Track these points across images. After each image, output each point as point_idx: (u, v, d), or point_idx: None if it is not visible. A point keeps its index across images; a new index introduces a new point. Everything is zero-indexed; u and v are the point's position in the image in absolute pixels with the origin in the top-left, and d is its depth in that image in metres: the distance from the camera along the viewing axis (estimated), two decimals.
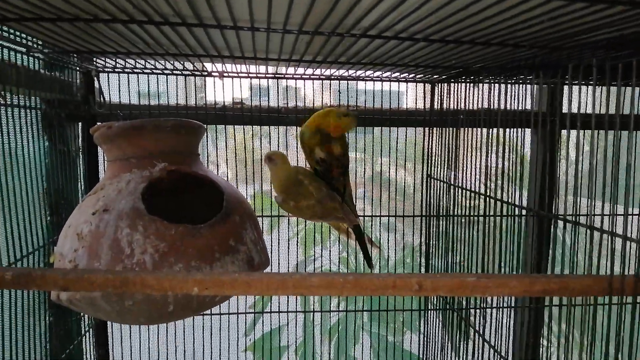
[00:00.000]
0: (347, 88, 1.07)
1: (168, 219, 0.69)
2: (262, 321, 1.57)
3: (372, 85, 1.07)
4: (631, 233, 0.57)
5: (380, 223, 1.60)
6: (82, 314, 0.99)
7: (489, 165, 0.81)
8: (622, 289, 0.49)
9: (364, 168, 1.24)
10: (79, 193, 1.00)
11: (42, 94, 0.86)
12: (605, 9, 0.40)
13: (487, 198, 0.84)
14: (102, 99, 1.00)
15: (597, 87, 0.56)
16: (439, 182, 1.06)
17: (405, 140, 1.16)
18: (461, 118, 0.93)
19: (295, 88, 1.15)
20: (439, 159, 1.06)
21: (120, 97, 1.01)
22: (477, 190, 0.91)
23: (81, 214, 0.71)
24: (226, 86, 1.00)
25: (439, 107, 1.05)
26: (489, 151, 0.80)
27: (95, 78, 0.98)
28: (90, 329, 1.04)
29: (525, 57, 0.67)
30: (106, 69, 0.96)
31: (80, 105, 0.98)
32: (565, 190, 1.13)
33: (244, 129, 1.23)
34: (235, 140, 1.09)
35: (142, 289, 0.46)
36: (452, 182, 0.99)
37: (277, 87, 1.20)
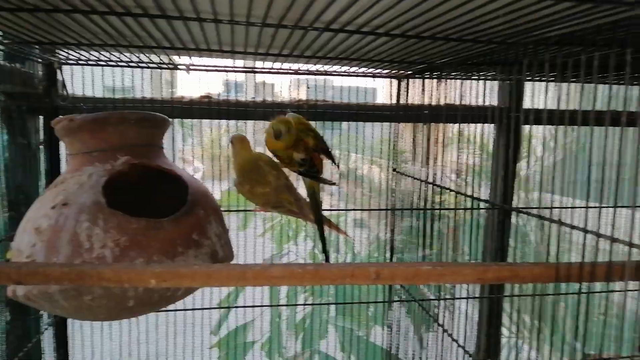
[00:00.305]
0: (324, 85, 1.08)
1: (131, 213, 0.69)
2: (230, 317, 1.57)
3: (347, 81, 1.09)
4: (599, 226, 0.59)
5: (353, 219, 1.62)
6: (40, 311, 0.97)
7: (451, 160, 0.83)
8: (568, 275, 0.51)
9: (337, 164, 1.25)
10: (40, 188, 0.97)
11: (2, 86, 0.84)
12: (553, 5, 0.42)
13: (450, 191, 0.86)
14: (65, 91, 0.98)
15: (555, 83, 0.58)
16: (404, 176, 1.08)
17: (381, 137, 1.18)
18: (424, 113, 0.94)
19: (272, 85, 1.16)
20: (405, 154, 1.08)
21: (84, 91, 0.99)
22: (440, 184, 0.93)
23: (40, 208, 0.69)
24: (197, 81, 1.00)
25: (405, 102, 1.06)
26: (451, 145, 0.82)
27: (58, 70, 0.96)
28: (50, 327, 1.01)
29: (484, 53, 0.69)
30: (69, 61, 0.94)
31: (42, 98, 0.96)
32: (525, 184, 1.17)
33: (219, 124, 1.23)
34: (208, 136, 1.09)
35: (99, 282, 0.46)
36: (417, 177, 1.01)
37: (254, 83, 1.20)
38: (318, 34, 0.64)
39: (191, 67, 0.97)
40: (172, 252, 0.70)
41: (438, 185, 0.93)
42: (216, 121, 1.17)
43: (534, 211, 1.16)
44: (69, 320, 1.06)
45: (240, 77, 1.02)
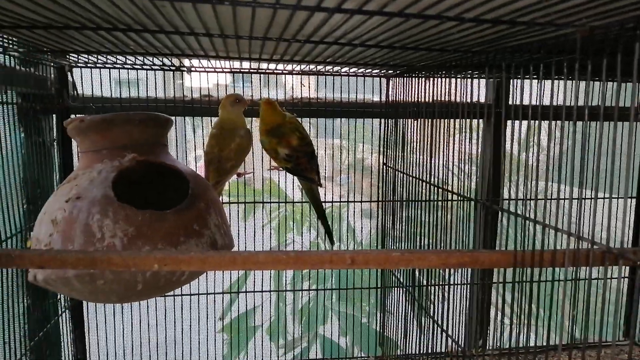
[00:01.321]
0: (332, 77, 1.14)
1: (137, 205, 0.76)
2: (238, 302, 1.65)
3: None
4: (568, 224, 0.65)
5: (361, 210, 1.68)
6: (58, 296, 1.05)
7: (434, 154, 0.89)
8: (523, 262, 0.58)
9: (346, 155, 1.31)
10: (54, 182, 1.05)
11: (17, 89, 0.91)
12: (491, 27, 0.48)
13: (434, 187, 0.92)
14: (75, 92, 1.05)
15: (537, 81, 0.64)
16: (393, 170, 1.14)
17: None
18: (409, 110, 1.00)
19: (276, 77, 1.21)
20: (393, 148, 1.14)
21: (94, 84, 1.06)
22: (426, 180, 0.99)
23: (55, 201, 0.77)
24: (205, 74, 1.07)
25: (394, 99, 1.13)
26: (435, 140, 0.88)
27: (69, 73, 1.03)
28: (67, 310, 1.10)
29: (458, 58, 0.75)
30: (79, 64, 1.01)
31: (54, 99, 1.03)
32: (508, 179, 1.22)
33: None
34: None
35: (109, 267, 0.53)
36: (405, 171, 1.07)
37: (259, 76, 1.25)
38: (314, 46, 0.71)
39: (192, 69, 1.04)
40: (176, 241, 0.77)
41: (423, 180, 0.99)
42: None
43: (519, 202, 1.22)
44: (85, 304, 1.15)
45: (248, 69, 1.09)
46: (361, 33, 0.60)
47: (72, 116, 1.04)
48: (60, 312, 1.06)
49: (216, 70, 1.06)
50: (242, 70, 1.08)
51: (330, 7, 0.44)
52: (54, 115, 1.05)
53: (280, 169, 1.08)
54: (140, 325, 1.21)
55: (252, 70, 1.08)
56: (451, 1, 0.42)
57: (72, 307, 1.12)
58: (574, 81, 0.53)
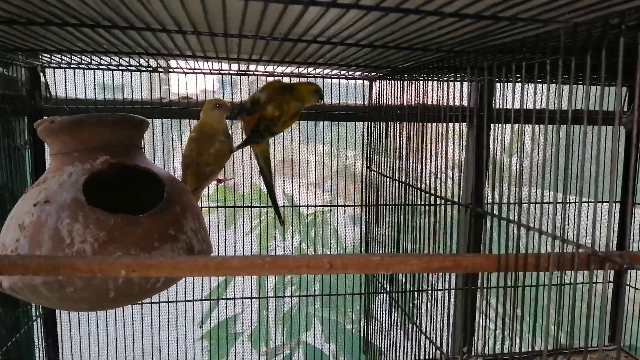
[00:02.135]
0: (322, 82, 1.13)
1: (110, 210, 0.73)
2: (218, 309, 1.62)
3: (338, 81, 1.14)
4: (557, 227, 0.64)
5: (347, 215, 1.66)
6: (30, 304, 1.01)
7: (418, 157, 0.88)
8: (507, 266, 0.56)
9: (334, 161, 1.29)
10: (26, 187, 1.01)
11: None
12: (473, 22, 0.47)
13: (417, 190, 0.91)
14: (48, 93, 1.02)
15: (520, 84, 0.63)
16: (377, 173, 1.13)
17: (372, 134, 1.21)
18: (392, 114, 0.99)
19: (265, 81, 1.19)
20: (377, 152, 1.12)
21: (85, 89, 1.03)
22: (409, 183, 0.97)
23: (23, 205, 0.74)
24: (192, 79, 1.05)
25: (377, 102, 1.11)
26: (420, 144, 0.86)
27: (41, 73, 1.00)
28: (39, 318, 1.06)
29: (441, 59, 0.73)
30: (52, 65, 0.98)
31: (26, 100, 1.00)
32: (492, 181, 1.21)
33: None
34: None
35: (73, 273, 0.50)
36: (389, 174, 1.06)
37: (248, 80, 1.23)
38: (292, 45, 0.69)
39: (170, 70, 1.01)
40: (149, 247, 0.74)
41: (407, 184, 0.97)
42: None
43: (504, 206, 1.20)
44: (58, 312, 1.11)
45: (236, 73, 1.07)
46: (339, 30, 0.59)
47: (44, 117, 1.01)
48: (32, 320, 1.03)
49: (195, 71, 1.03)
50: (221, 72, 1.05)
51: (304, 0, 0.42)
52: (25, 118, 1.02)
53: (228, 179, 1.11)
54: (116, 333, 1.18)
55: (231, 72, 1.06)
56: None
57: (44, 315, 1.07)
58: (556, 84, 0.52)
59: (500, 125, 0.63)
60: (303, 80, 1.09)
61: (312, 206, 1.33)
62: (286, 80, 1.13)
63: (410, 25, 0.53)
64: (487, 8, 0.44)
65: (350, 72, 1.06)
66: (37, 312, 1.05)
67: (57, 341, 1.09)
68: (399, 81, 0.98)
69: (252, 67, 1.02)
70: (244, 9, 0.48)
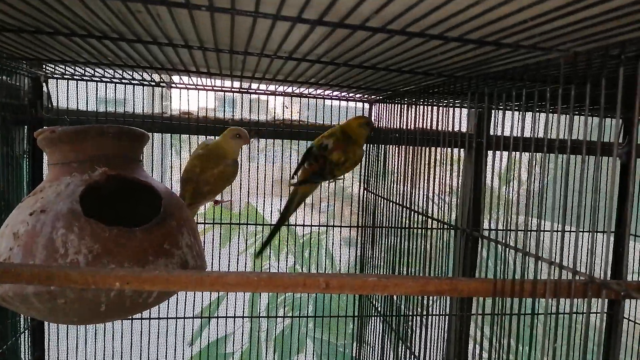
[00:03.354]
0: (315, 103, 1.15)
1: (107, 222, 0.72)
2: (209, 329, 1.59)
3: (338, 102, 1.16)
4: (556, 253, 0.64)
5: (342, 238, 1.66)
6: (19, 315, 1.00)
7: (416, 181, 0.88)
8: (503, 291, 0.56)
9: (328, 182, 1.30)
10: (22, 195, 1.01)
11: None
12: (476, 48, 0.48)
13: (413, 212, 0.91)
14: (50, 104, 1.02)
15: (519, 112, 0.63)
16: (373, 195, 1.13)
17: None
18: (391, 137, 1.00)
19: (266, 101, 1.21)
20: (374, 174, 1.13)
21: (79, 103, 1.03)
22: (407, 205, 0.97)
23: (19, 214, 0.73)
24: (191, 96, 1.06)
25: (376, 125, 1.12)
26: (416, 168, 0.87)
27: (44, 83, 1.00)
28: (27, 331, 1.04)
29: (442, 83, 0.74)
30: (55, 75, 0.99)
31: (27, 109, 1.00)
32: (489, 208, 1.21)
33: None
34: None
35: (66, 283, 0.50)
36: (386, 196, 1.06)
37: (249, 99, 1.25)
38: (296, 64, 0.70)
39: (172, 85, 1.02)
40: (143, 260, 0.73)
41: (404, 206, 0.97)
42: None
43: (500, 233, 1.21)
44: (46, 325, 1.09)
45: (234, 93, 1.09)
46: (343, 51, 0.59)
47: (45, 127, 1.01)
48: (20, 333, 1.01)
49: (197, 87, 1.04)
50: (223, 89, 1.06)
51: (311, 19, 0.42)
52: (25, 127, 1.02)
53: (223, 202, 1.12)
54: (104, 349, 1.16)
55: (233, 90, 1.07)
56: (434, 18, 0.41)
57: (32, 328, 1.06)
58: (555, 114, 0.53)
59: (497, 152, 0.64)
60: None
61: (308, 225, 1.33)
62: (287, 100, 1.15)
63: (413, 48, 0.54)
64: (490, 34, 0.44)
65: (350, 94, 1.07)
66: (26, 325, 1.04)
67: (44, 356, 1.07)
68: (398, 104, 0.99)
69: (254, 86, 1.03)
70: (252, 26, 0.49)
